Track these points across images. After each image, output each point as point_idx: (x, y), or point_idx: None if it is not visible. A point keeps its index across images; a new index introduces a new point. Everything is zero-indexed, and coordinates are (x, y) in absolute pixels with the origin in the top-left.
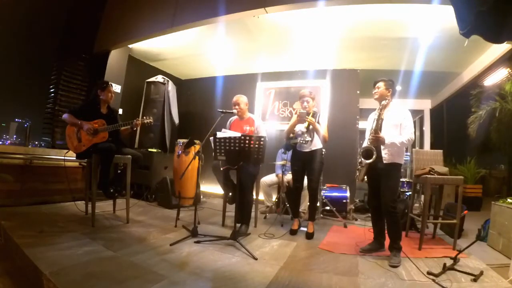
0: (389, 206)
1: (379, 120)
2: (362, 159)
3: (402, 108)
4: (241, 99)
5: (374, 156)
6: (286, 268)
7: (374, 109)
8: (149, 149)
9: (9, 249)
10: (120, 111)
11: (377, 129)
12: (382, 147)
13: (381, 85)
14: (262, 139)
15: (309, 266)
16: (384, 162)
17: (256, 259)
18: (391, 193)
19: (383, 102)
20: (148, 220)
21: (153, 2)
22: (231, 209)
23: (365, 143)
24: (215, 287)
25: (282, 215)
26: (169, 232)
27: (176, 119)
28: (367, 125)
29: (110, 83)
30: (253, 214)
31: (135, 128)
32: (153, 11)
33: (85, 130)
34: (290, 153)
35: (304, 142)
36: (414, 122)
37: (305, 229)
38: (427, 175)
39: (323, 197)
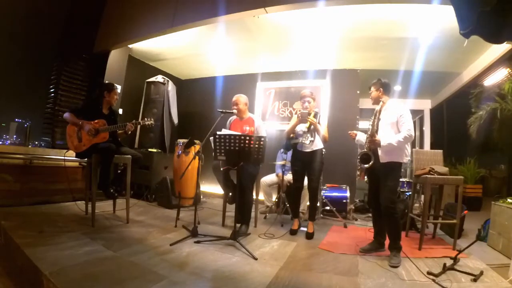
0: (388, 206)
1: (376, 121)
2: (361, 164)
3: (398, 106)
4: (240, 99)
5: (371, 161)
6: (286, 268)
7: (374, 109)
8: (149, 149)
9: (9, 249)
10: (120, 111)
11: (373, 132)
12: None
13: (372, 89)
14: (262, 139)
15: (309, 266)
16: (382, 161)
17: (256, 259)
18: (390, 193)
19: (378, 107)
20: (148, 220)
21: (153, 2)
22: (231, 209)
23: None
24: (215, 287)
25: (282, 215)
26: (169, 232)
27: (175, 119)
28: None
29: (116, 86)
30: (253, 214)
31: (129, 133)
32: (153, 11)
33: (86, 131)
34: (290, 153)
35: (307, 142)
36: (414, 122)
37: (305, 229)
38: (427, 175)
39: (323, 197)
